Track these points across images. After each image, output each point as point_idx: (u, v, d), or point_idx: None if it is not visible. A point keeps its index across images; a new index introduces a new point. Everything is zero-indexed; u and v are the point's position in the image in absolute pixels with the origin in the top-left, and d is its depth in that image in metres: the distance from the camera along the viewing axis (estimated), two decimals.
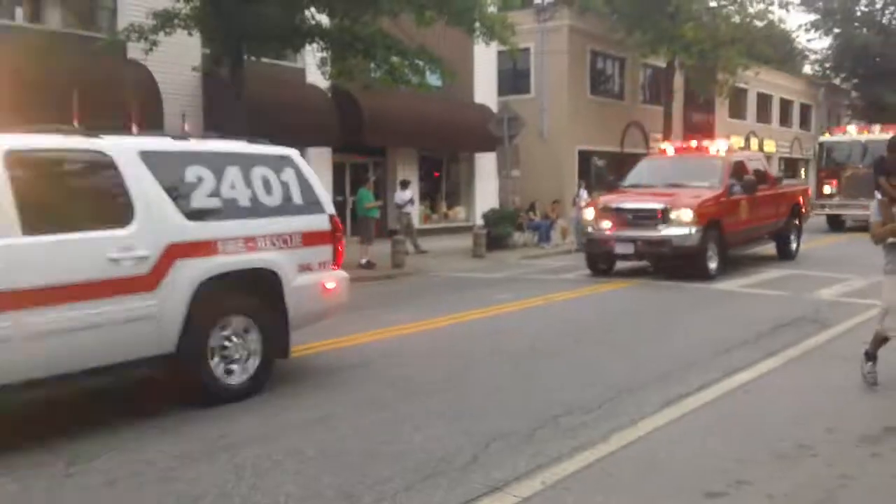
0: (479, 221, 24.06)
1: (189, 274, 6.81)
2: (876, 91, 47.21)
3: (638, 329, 10.62)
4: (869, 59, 49.32)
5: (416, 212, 24.40)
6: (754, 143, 44.90)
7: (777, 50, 44.28)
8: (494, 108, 27.26)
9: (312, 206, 8.11)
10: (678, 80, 35.72)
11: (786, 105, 49.97)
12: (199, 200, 7.12)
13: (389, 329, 10.59)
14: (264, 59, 19.19)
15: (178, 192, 6.98)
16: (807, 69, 57.22)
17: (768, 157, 46.87)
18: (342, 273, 8.37)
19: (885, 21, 50.85)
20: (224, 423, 6.49)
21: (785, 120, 49.58)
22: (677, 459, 5.56)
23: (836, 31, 50.61)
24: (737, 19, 34.39)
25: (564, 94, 32.30)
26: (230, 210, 7.30)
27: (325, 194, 8.40)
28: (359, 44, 17.16)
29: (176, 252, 6.74)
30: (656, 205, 15.11)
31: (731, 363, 8.34)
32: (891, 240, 7.08)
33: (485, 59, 28.41)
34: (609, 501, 4.91)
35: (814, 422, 6.34)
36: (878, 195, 7.26)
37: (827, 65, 55.15)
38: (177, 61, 18.95)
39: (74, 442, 6.04)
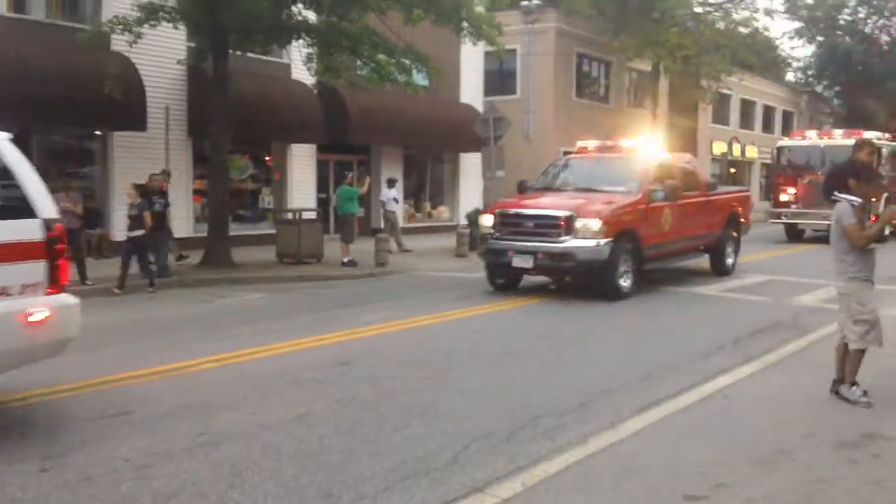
0: (463, 221, 24.05)
1: None
2: (858, 99, 47.63)
3: (617, 332, 10.63)
4: (851, 68, 49.82)
5: (400, 210, 24.39)
6: (737, 148, 45.29)
7: (761, 57, 44.57)
8: (480, 108, 27.21)
9: (16, 208, 6.04)
10: (663, 85, 35.83)
11: (769, 111, 50.32)
12: None
13: (370, 328, 10.57)
14: (250, 54, 19.12)
15: None
16: (790, 76, 57.68)
17: (750, 162, 47.50)
18: (65, 299, 6.26)
19: (867, 30, 51.34)
20: (202, 421, 6.45)
21: (767, 126, 49.91)
22: (656, 462, 5.57)
23: (820, 39, 51.06)
24: (721, 26, 34.57)
25: (550, 96, 32.34)
26: None
27: (40, 192, 6.22)
28: (345, 41, 17.11)
29: None
30: (560, 212, 13.16)
31: (710, 368, 8.36)
32: (872, 245, 7.00)
33: (471, 60, 28.43)
34: (588, 503, 4.93)
35: (792, 427, 6.37)
36: (852, 198, 6.98)
37: (810, 72, 55.67)
38: (162, 54, 18.87)
39: (49, 439, 5.98)
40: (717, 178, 40.90)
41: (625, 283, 13.24)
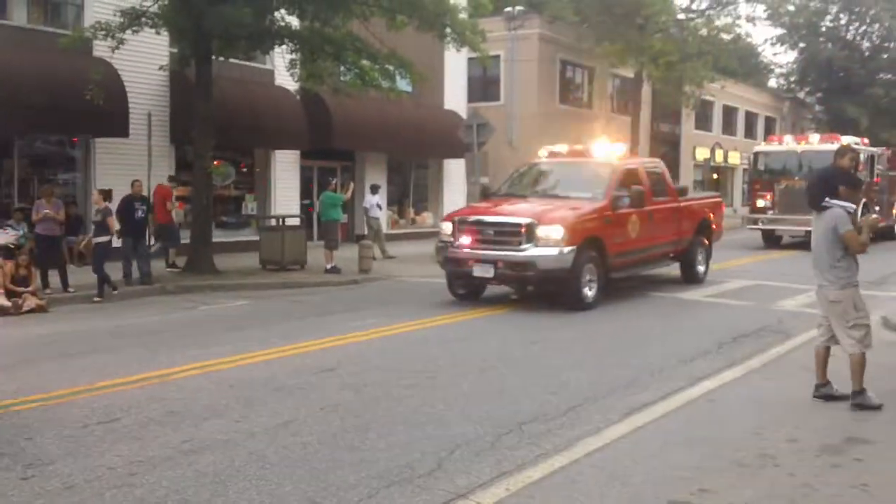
0: None
1: None
2: (839, 105, 48.05)
3: (600, 337, 10.64)
4: (833, 74, 50.26)
5: (384, 217, 24.35)
6: (719, 154, 45.57)
7: (743, 63, 44.94)
8: (464, 114, 27.27)
9: None
10: (646, 91, 36.02)
11: (751, 118, 50.77)
12: None
13: (354, 335, 10.54)
14: (233, 60, 19.07)
15: None
16: (772, 83, 58.15)
17: (732, 168, 47.79)
18: None
19: (849, 37, 51.84)
20: (186, 429, 6.41)
21: (750, 132, 50.29)
22: (641, 467, 5.58)
23: (802, 45, 51.48)
24: (704, 32, 34.81)
25: (533, 102, 32.49)
26: None
27: None
28: (329, 46, 17.10)
29: None
30: (521, 219, 12.65)
31: (695, 372, 8.39)
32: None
33: (455, 66, 28.49)
34: None
35: (776, 431, 6.39)
36: (847, 205, 7.03)
37: (792, 78, 56.13)
38: (144, 60, 18.79)
39: (31, 446, 5.93)
40: (700, 183, 41.14)
41: (589, 292, 12.76)
